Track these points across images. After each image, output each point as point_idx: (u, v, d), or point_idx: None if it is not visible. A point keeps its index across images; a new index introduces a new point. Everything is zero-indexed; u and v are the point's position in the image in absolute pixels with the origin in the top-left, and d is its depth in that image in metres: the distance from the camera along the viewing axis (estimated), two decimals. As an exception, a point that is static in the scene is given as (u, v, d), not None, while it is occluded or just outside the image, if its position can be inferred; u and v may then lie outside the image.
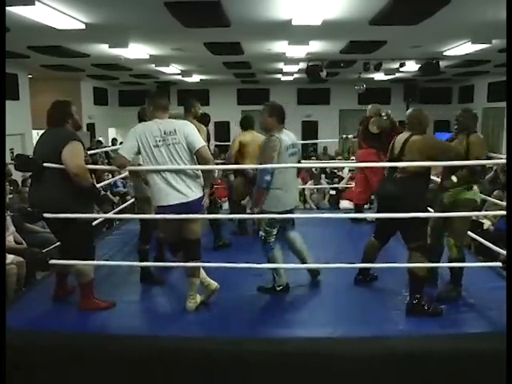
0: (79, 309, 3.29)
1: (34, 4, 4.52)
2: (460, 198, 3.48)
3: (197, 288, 3.30)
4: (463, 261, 3.48)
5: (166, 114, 3.19)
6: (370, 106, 5.77)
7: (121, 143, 9.66)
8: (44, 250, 4.30)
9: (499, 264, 3.29)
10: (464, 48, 7.84)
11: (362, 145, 5.62)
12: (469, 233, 4.52)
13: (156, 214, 3.28)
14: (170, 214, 3.09)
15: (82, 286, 3.31)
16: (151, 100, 3.19)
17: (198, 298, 3.31)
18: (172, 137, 3.07)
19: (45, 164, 3.06)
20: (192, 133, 3.14)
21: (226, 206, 7.52)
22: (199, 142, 3.14)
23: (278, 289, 3.54)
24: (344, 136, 6.40)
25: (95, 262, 3.32)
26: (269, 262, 3.52)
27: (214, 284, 3.33)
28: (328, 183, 8.97)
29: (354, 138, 6.34)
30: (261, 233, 3.51)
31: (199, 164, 3.19)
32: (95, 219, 3.83)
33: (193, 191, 3.13)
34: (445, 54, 8.61)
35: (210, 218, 4.33)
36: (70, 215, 3.05)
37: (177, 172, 3.08)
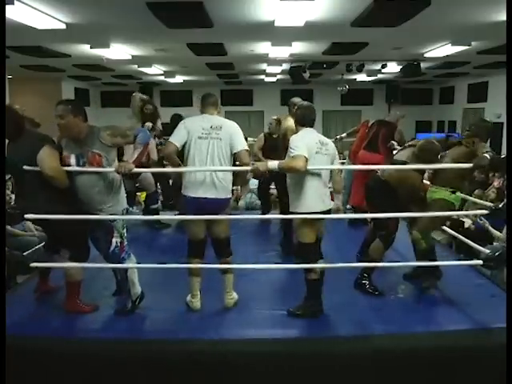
0: (64, 309, 3.26)
1: (13, 3, 4.45)
2: (440, 197, 3.55)
3: (232, 284, 3.35)
4: (433, 249, 3.68)
5: (215, 110, 3.33)
6: (392, 112, 5.62)
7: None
8: (25, 253, 4.23)
9: (479, 262, 3.34)
10: (444, 50, 7.95)
11: (366, 147, 5.30)
12: (451, 231, 4.63)
13: (182, 204, 3.34)
14: (194, 210, 3.17)
15: (68, 286, 3.28)
16: (202, 98, 3.37)
17: (235, 295, 3.37)
18: (216, 132, 3.17)
19: (25, 167, 3.01)
20: (237, 134, 3.23)
21: None
22: (242, 144, 3.22)
23: (137, 302, 3.31)
24: (338, 137, 6.34)
25: (79, 265, 3.27)
26: (123, 275, 3.32)
27: (198, 306, 3.32)
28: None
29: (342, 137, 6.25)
30: (115, 240, 3.20)
31: (235, 166, 3.33)
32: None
33: (219, 189, 3.18)
34: (425, 55, 8.73)
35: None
36: (51, 216, 3.02)
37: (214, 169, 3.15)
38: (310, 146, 3.12)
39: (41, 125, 3.29)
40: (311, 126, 3.29)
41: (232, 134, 3.21)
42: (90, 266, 3.55)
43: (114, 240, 3.20)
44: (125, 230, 3.26)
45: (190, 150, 3.19)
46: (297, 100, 4.64)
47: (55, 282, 3.62)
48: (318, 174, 3.16)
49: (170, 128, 5.60)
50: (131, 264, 3.28)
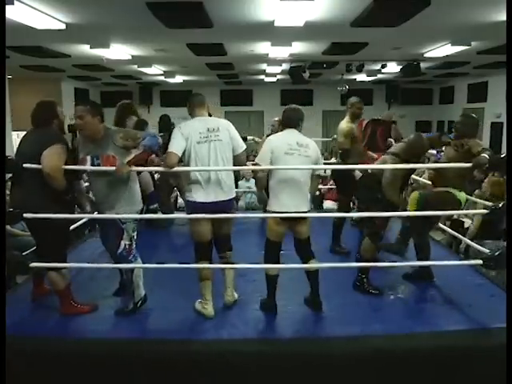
0: (61, 314, 3.25)
1: (12, 4, 4.45)
2: (446, 190, 3.56)
3: (233, 281, 3.37)
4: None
5: (204, 109, 3.29)
6: (386, 112, 5.67)
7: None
8: (24, 253, 4.24)
9: (479, 262, 3.33)
10: (444, 50, 7.96)
11: (364, 147, 5.11)
12: (451, 231, 4.62)
13: (187, 208, 3.30)
14: (202, 211, 3.14)
15: (57, 293, 3.28)
16: (189, 99, 3.30)
17: (235, 294, 3.39)
18: (215, 133, 3.15)
19: (24, 165, 3.01)
20: (236, 134, 3.27)
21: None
22: (242, 145, 3.29)
23: (139, 305, 3.30)
24: (335, 136, 6.29)
25: (78, 265, 3.28)
26: (128, 276, 3.27)
27: (211, 312, 3.25)
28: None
29: None
30: (124, 242, 3.18)
31: (234, 166, 3.32)
32: (71, 224, 3.74)
33: (227, 190, 3.21)
34: (425, 55, 8.73)
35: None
36: (49, 215, 3.00)
37: (217, 171, 3.14)
38: (278, 147, 3.18)
39: (66, 133, 3.32)
40: (295, 128, 3.30)
41: (231, 134, 3.23)
42: (90, 266, 3.55)
43: (122, 242, 3.17)
44: (135, 234, 3.25)
45: (191, 156, 3.13)
46: (354, 100, 4.63)
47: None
48: (288, 175, 3.16)
49: (159, 128, 5.63)
50: (135, 264, 3.26)
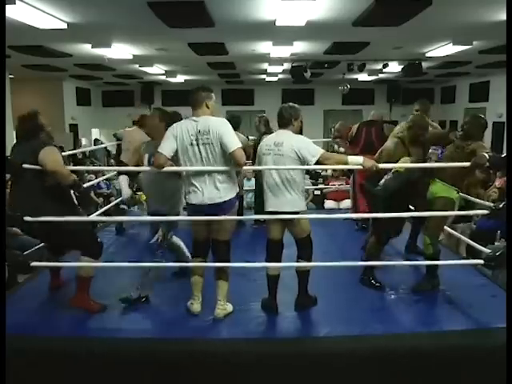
0: (70, 304, 3.25)
1: (14, 3, 4.46)
2: (443, 195, 3.54)
3: (225, 293, 3.20)
4: (438, 256, 3.62)
5: (201, 108, 3.09)
6: (375, 112, 5.62)
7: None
8: (25, 253, 4.24)
9: (480, 262, 3.33)
10: (445, 49, 7.95)
11: (362, 151, 4.98)
12: (452, 231, 4.62)
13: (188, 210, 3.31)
14: (196, 214, 3.13)
15: (80, 280, 3.26)
16: (189, 98, 3.14)
17: (229, 307, 3.24)
18: (205, 136, 3.01)
19: (24, 165, 3.01)
20: (227, 133, 3.02)
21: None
22: (234, 143, 3.00)
23: (142, 300, 3.38)
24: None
25: (79, 264, 3.27)
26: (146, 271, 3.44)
27: (198, 309, 3.24)
28: (313, 183, 9.01)
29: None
30: (158, 235, 3.51)
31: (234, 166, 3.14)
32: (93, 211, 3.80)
33: (221, 193, 3.08)
34: (427, 55, 8.73)
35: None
36: (57, 218, 3.01)
37: (208, 173, 3.06)
38: (260, 148, 3.31)
39: (54, 140, 3.35)
40: (287, 126, 3.29)
41: (220, 134, 2.99)
42: (90, 265, 3.54)
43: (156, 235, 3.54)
44: (160, 233, 3.49)
45: (182, 159, 3.08)
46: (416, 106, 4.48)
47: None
48: (265, 176, 3.22)
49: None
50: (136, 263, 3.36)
